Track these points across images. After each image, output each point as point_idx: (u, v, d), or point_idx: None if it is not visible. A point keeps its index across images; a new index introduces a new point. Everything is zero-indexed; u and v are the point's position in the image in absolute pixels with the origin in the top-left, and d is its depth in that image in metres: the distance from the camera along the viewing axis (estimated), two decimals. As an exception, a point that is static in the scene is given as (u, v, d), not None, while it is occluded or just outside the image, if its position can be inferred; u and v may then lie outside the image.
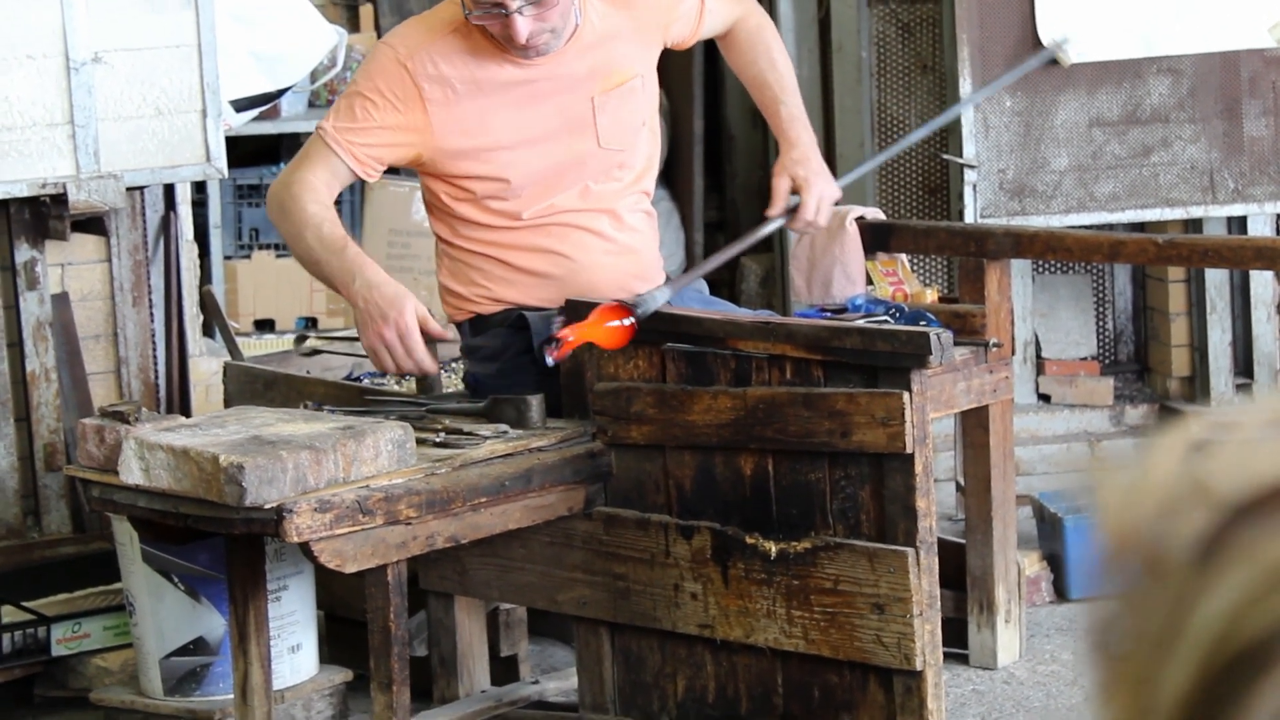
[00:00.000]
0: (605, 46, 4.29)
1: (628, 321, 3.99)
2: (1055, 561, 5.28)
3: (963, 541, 4.88)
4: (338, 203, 7.10)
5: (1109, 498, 0.91)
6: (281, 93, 5.95)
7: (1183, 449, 0.89)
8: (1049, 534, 5.35)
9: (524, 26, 4.08)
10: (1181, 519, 0.87)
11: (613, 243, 4.34)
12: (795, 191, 4.38)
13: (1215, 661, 0.83)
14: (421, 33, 4.24)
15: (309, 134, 7.39)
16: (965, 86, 5.75)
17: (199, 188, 6.65)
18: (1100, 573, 0.90)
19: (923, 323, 4.34)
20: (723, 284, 7.25)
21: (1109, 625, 0.89)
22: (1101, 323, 6.70)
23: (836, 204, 4.46)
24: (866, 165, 4.96)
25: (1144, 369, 6.68)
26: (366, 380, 4.97)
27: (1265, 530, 0.84)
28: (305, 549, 3.68)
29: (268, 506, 3.61)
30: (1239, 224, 6.20)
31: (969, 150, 5.73)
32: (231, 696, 4.13)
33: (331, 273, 4.10)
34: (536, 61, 4.21)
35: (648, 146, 4.41)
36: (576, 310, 4.07)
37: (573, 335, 3.94)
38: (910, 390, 3.79)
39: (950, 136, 6.38)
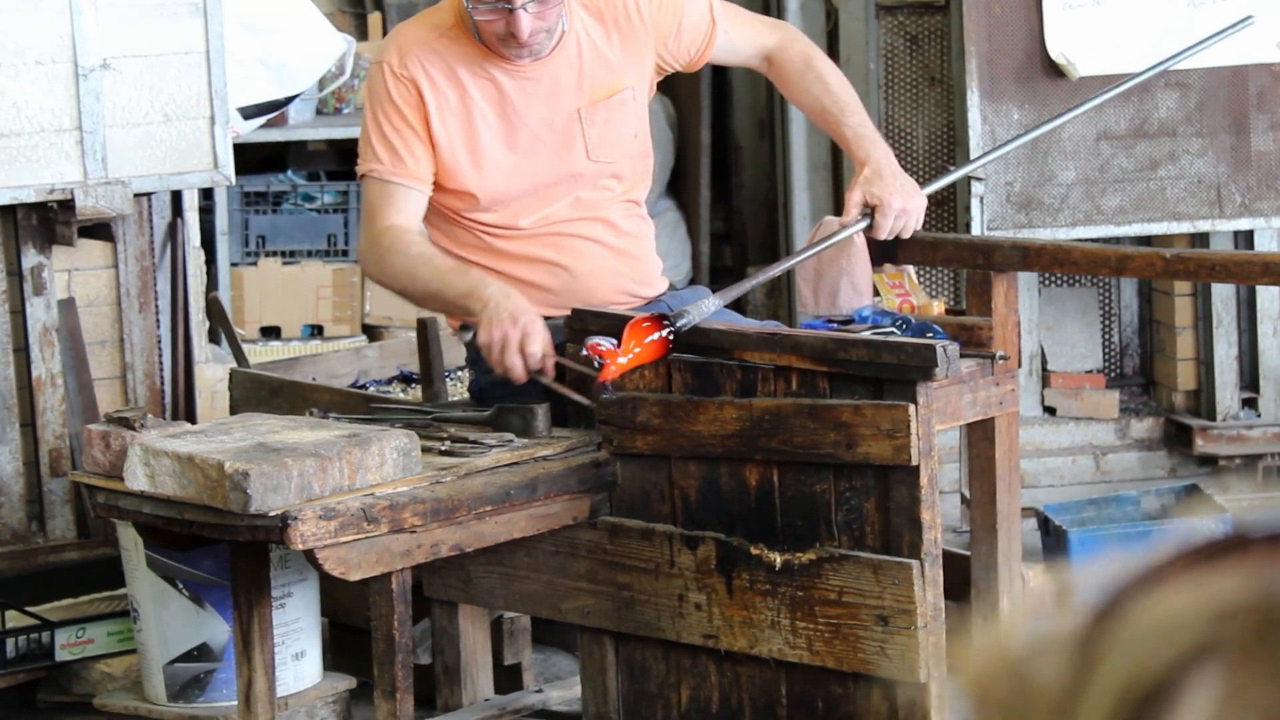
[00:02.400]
0: (591, 59, 4.29)
1: (664, 334, 3.97)
2: (1060, 574, 5.27)
3: (967, 554, 4.87)
4: (344, 223, 7.13)
5: (974, 682, 0.92)
6: (289, 100, 5.96)
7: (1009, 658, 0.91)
8: (1054, 547, 5.34)
9: (527, 23, 4.10)
10: (1035, 669, 0.89)
11: (609, 248, 4.34)
12: (869, 206, 4.35)
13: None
14: (407, 39, 4.26)
15: (316, 141, 7.42)
16: (973, 98, 5.75)
17: (206, 194, 6.66)
18: None
19: (929, 335, 4.34)
20: (729, 294, 7.24)
21: None
22: (1107, 336, 6.69)
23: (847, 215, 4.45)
24: (956, 174, 4.89)
25: (1149, 382, 6.68)
26: (372, 388, 4.98)
27: (1125, 614, 0.87)
28: (310, 556, 3.67)
29: (273, 513, 3.61)
30: (1245, 238, 6.20)
31: (976, 163, 5.73)
32: (235, 703, 4.13)
33: (457, 293, 4.07)
34: (523, 71, 4.22)
35: (640, 158, 4.41)
36: (583, 319, 4.07)
37: (622, 359, 3.91)
38: (916, 402, 3.79)
39: (958, 149, 6.38)
